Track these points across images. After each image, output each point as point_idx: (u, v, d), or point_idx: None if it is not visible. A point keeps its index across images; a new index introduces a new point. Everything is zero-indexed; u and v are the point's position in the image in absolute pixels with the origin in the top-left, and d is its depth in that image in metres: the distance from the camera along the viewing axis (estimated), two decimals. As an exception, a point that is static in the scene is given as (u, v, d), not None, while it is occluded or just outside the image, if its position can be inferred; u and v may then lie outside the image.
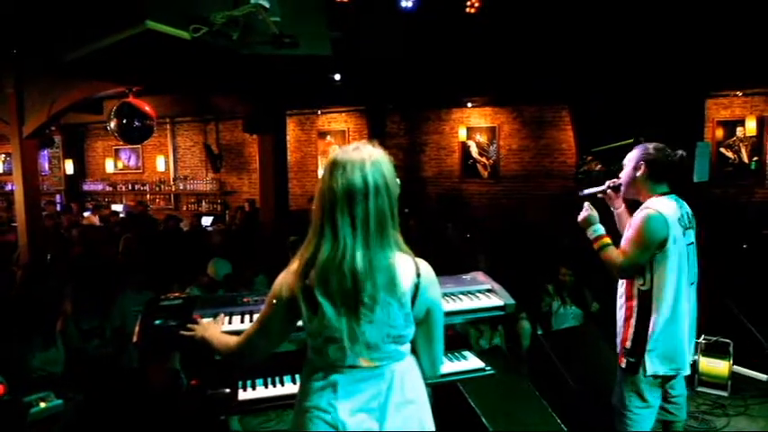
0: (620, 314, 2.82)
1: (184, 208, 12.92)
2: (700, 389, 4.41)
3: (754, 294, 3.13)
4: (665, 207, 2.68)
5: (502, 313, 2.56)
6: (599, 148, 5.14)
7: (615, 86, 4.64)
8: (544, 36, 6.02)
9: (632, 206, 2.89)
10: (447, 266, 2.49)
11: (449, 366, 2.48)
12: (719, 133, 9.01)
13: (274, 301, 1.70)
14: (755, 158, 9.06)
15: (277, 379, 2.39)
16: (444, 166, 10.89)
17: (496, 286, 2.70)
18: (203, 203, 12.75)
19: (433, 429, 1.75)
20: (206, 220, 11.15)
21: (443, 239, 7.48)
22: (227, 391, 2.29)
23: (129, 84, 5.99)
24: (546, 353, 3.86)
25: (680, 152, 2.84)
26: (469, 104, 10.54)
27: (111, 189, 13.58)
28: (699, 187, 5.08)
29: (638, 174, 2.77)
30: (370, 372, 1.64)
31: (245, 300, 2.51)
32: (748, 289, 3.50)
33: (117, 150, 13.75)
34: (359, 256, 1.58)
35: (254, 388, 2.33)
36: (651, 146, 2.82)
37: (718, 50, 4.89)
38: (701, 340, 4.49)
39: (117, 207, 12.56)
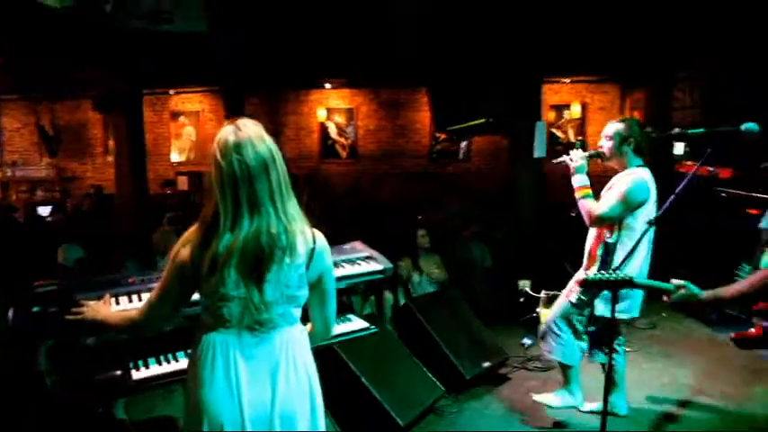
0: (585, 260, 3.40)
1: (14, 197, 11.60)
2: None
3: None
4: (648, 176, 3.21)
5: (382, 276, 2.79)
6: (453, 127, 5.60)
7: (467, 71, 5.09)
8: (400, 20, 6.35)
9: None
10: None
11: (338, 329, 2.66)
12: (551, 116, 10.13)
13: (175, 266, 1.74)
14: (579, 138, 10.34)
15: (170, 355, 2.40)
16: (304, 147, 10.98)
17: (375, 253, 2.93)
18: (38, 191, 11.55)
19: (320, 392, 1.88)
20: (43, 210, 10.14)
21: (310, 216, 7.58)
22: (119, 373, 2.26)
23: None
24: (413, 315, 4.20)
25: (653, 132, 3.41)
26: (328, 86, 10.71)
27: None
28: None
29: (625, 147, 3.25)
30: (263, 336, 1.73)
31: (129, 280, 2.47)
32: (578, 250, 4.13)
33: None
34: (277, 224, 1.68)
35: (147, 367, 2.33)
36: (631, 122, 3.34)
37: (552, 41, 5.54)
38: (542, 294, 5.14)
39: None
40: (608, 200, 3.25)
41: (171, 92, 10.99)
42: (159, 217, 6.36)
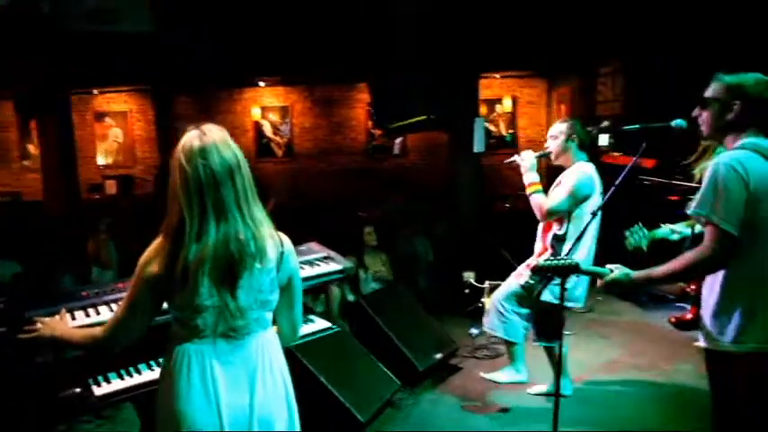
0: (538, 248, 3.61)
1: None
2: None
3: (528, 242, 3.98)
4: (592, 171, 3.46)
5: (342, 276, 2.83)
6: (395, 124, 5.68)
7: (406, 67, 5.18)
8: (336, 17, 6.36)
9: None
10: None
11: (302, 329, 2.67)
12: (483, 110, 10.40)
13: (141, 278, 1.70)
14: (510, 131, 10.71)
15: (132, 369, 2.34)
16: (239, 147, 10.76)
17: (332, 253, 2.96)
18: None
19: (293, 394, 1.89)
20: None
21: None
22: (79, 390, 2.18)
23: None
24: (365, 312, 4.26)
25: (593, 129, 3.59)
26: (261, 84, 10.54)
27: None
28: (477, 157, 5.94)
29: (569, 143, 3.48)
30: (239, 342, 1.74)
31: (83, 294, 2.38)
32: (522, 239, 4.32)
33: None
34: (245, 228, 1.68)
35: (108, 382, 2.26)
36: (573, 121, 3.58)
37: (486, 38, 5.73)
38: (486, 285, 5.33)
39: None
40: (557, 195, 3.47)
41: (95, 91, 10.48)
42: (90, 224, 6.09)
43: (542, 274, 2.42)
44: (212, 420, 1.68)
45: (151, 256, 1.70)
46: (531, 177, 3.56)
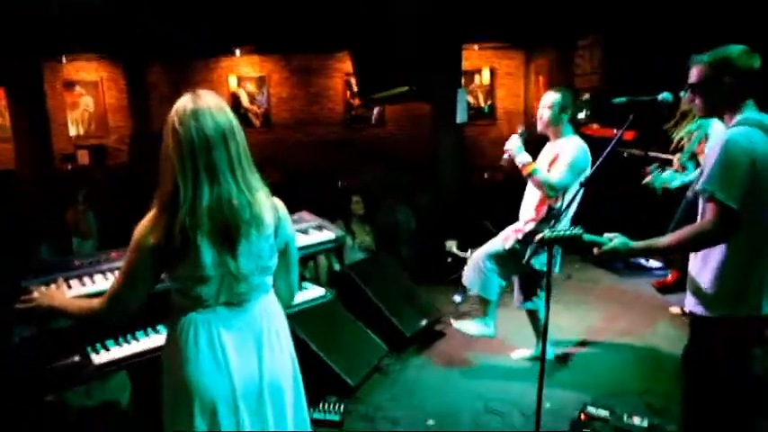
0: (529, 214, 3.58)
1: None
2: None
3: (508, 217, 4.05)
4: (584, 143, 3.45)
5: (335, 245, 2.85)
6: (378, 95, 5.66)
7: (389, 38, 5.14)
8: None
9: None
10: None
11: (298, 297, 2.71)
12: (463, 81, 10.41)
13: (140, 249, 1.67)
14: (489, 102, 10.75)
15: (129, 336, 2.35)
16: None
17: (323, 221, 2.98)
18: None
19: (296, 358, 1.93)
20: None
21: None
22: (78, 359, 2.19)
23: None
24: (353, 280, 4.32)
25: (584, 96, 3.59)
26: (238, 53, 10.33)
27: None
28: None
29: (563, 116, 3.48)
30: (243, 307, 1.76)
31: (76, 263, 2.37)
32: (501, 209, 4.39)
33: None
34: (239, 193, 1.67)
35: (107, 349, 2.26)
36: (567, 92, 3.55)
37: (466, 8, 5.70)
38: (468, 253, 5.42)
39: None
40: (558, 170, 3.42)
41: (63, 60, 10.14)
42: (66, 195, 5.98)
43: (544, 244, 2.41)
44: (223, 385, 1.71)
45: (147, 227, 1.68)
46: (523, 159, 3.48)
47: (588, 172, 3.43)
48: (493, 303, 3.88)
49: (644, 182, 4.68)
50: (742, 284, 2.01)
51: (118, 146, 10.43)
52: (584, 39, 8.14)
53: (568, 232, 2.24)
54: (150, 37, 8.40)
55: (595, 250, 2.21)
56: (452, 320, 4.13)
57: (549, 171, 3.48)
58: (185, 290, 1.72)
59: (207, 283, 1.69)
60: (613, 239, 2.16)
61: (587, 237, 2.20)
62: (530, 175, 3.47)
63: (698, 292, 2.11)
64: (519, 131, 3.59)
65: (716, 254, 2.03)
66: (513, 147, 3.51)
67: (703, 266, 2.09)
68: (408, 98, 6.38)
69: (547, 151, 3.63)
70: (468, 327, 3.99)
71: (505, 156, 3.56)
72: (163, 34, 8.05)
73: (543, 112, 3.55)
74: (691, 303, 2.16)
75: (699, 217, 2.09)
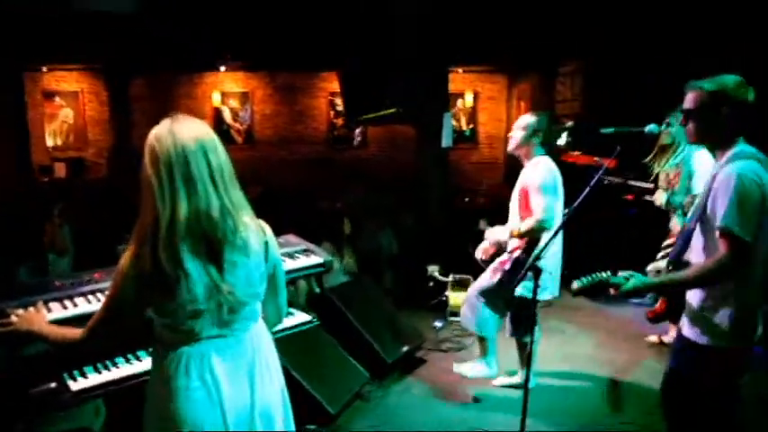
0: (511, 244, 3.63)
1: None
2: (451, 318, 5.30)
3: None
4: (551, 163, 3.52)
5: (323, 270, 2.82)
6: (365, 116, 5.68)
7: (378, 61, 5.18)
8: (303, 2, 6.27)
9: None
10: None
11: (284, 323, 2.66)
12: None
13: (124, 280, 1.62)
14: (470, 126, 10.86)
15: (108, 363, 2.28)
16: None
17: (311, 246, 2.95)
18: None
19: (285, 387, 1.91)
20: None
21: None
22: (54, 385, 2.11)
23: None
24: (333, 304, 4.27)
25: (558, 128, 3.62)
26: (222, 68, 10.30)
27: None
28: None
29: (534, 138, 3.54)
30: (234, 339, 1.72)
31: (57, 284, 2.30)
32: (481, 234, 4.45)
33: None
34: (219, 203, 1.63)
35: (84, 376, 2.19)
36: (542, 117, 3.62)
37: (452, 32, 5.78)
38: (449, 279, 5.42)
39: None
40: (535, 203, 3.46)
41: (44, 69, 9.99)
42: (44, 209, 5.84)
43: (575, 295, 2.41)
44: (215, 417, 1.67)
45: (130, 258, 1.62)
46: (502, 235, 3.67)
47: (559, 190, 3.54)
48: (491, 342, 3.89)
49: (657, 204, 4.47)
50: (741, 315, 2.03)
51: (96, 159, 10.28)
52: (566, 65, 8.30)
53: (599, 278, 2.21)
54: (135, 48, 8.35)
55: (612, 291, 2.20)
56: (454, 364, 4.18)
57: (521, 207, 3.58)
58: (175, 325, 1.66)
59: (197, 317, 1.64)
60: (630, 279, 2.15)
61: (614, 280, 2.18)
62: (520, 235, 3.55)
63: (696, 320, 2.12)
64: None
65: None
66: (488, 237, 3.75)
67: (704, 295, 2.10)
68: (395, 120, 6.41)
69: (517, 184, 3.70)
70: (468, 370, 4.05)
71: (482, 249, 3.81)
72: (148, 46, 8.01)
73: (516, 133, 3.65)
74: (688, 330, 2.16)
75: (702, 249, 2.09)
